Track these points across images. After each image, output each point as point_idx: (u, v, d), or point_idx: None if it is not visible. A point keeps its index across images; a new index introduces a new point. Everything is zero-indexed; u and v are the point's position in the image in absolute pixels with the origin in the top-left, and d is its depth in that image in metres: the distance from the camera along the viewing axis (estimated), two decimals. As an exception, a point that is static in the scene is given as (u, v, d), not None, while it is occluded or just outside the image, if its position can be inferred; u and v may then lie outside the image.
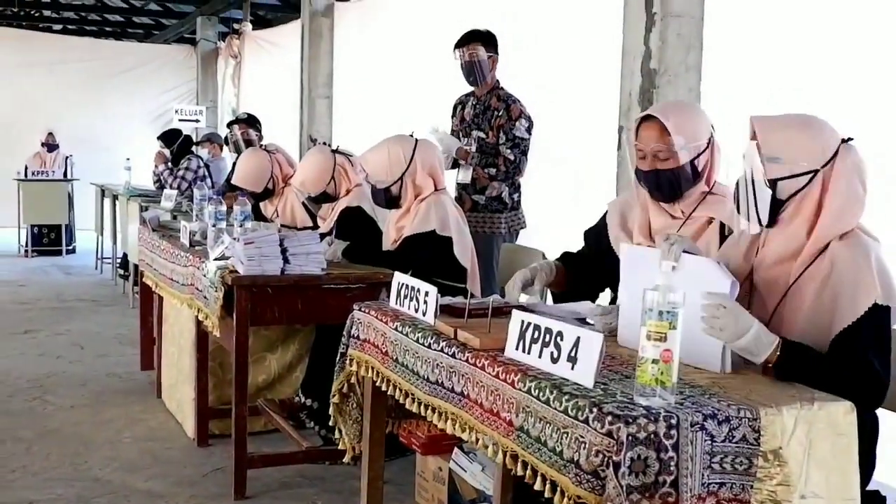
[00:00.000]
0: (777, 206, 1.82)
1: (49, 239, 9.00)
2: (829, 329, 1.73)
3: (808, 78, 3.15)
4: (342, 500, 2.97)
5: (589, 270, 2.36)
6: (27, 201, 8.70)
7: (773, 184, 1.81)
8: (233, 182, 4.45)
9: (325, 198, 3.78)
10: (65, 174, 9.00)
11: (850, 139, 1.83)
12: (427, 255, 3.06)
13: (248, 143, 5.37)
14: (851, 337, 1.71)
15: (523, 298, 2.26)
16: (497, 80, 3.99)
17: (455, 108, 4.15)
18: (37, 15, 14.79)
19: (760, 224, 1.83)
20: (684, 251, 1.76)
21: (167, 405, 3.94)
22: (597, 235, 2.40)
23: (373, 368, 2.22)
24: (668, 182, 2.15)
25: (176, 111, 8.92)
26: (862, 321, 1.70)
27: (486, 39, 3.91)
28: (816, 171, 1.80)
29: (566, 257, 2.44)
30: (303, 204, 4.08)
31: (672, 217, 2.22)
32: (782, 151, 1.80)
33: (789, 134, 1.83)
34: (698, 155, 2.15)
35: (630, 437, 1.39)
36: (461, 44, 3.92)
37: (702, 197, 2.19)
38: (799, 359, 1.68)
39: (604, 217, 2.41)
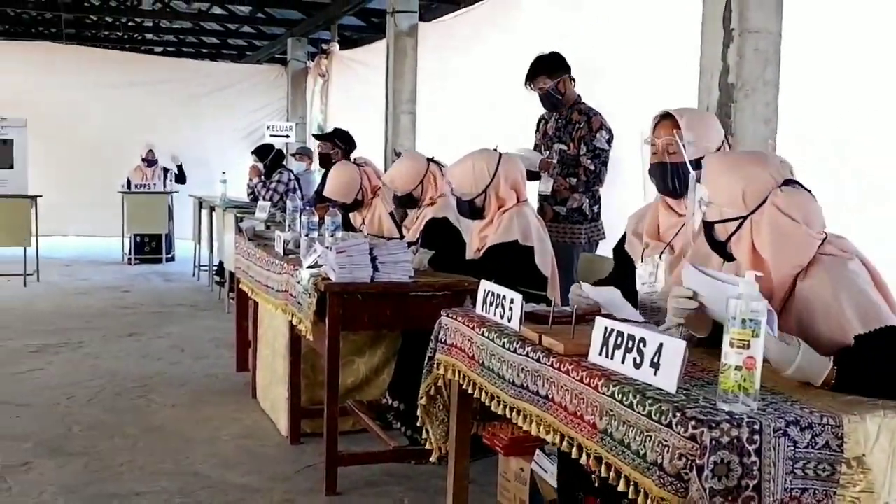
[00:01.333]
0: (721, 245, 1.89)
1: (150, 247, 9.49)
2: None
3: (886, 93, 3.07)
4: (428, 499, 3.05)
5: (623, 286, 2.41)
6: (130, 212, 9.20)
7: (711, 226, 1.89)
8: (324, 194, 4.61)
9: (410, 200, 3.90)
10: (164, 185, 9.48)
11: (789, 181, 1.82)
12: (509, 264, 3.13)
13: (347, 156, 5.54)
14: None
15: (593, 292, 2.28)
16: (578, 95, 4.05)
17: (538, 123, 4.23)
18: (139, 38, 15.67)
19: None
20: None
21: (261, 405, 4.11)
22: (620, 248, 2.51)
23: (460, 372, 2.30)
24: (673, 175, 2.27)
25: (267, 127, 9.26)
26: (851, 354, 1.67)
27: (549, 68, 3.98)
28: (745, 217, 1.82)
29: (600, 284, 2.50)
30: (390, 214, 4.22)
31: (679, 215, 2.32)
32: (714, 195, 1.86)
33: (721, 178, 1.86)
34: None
35: (713, 442, 1.42)
36: (528, 80, 4.01)
37: None
38: (855, 381, 1.63)
39: (626, 231, 2.52)
